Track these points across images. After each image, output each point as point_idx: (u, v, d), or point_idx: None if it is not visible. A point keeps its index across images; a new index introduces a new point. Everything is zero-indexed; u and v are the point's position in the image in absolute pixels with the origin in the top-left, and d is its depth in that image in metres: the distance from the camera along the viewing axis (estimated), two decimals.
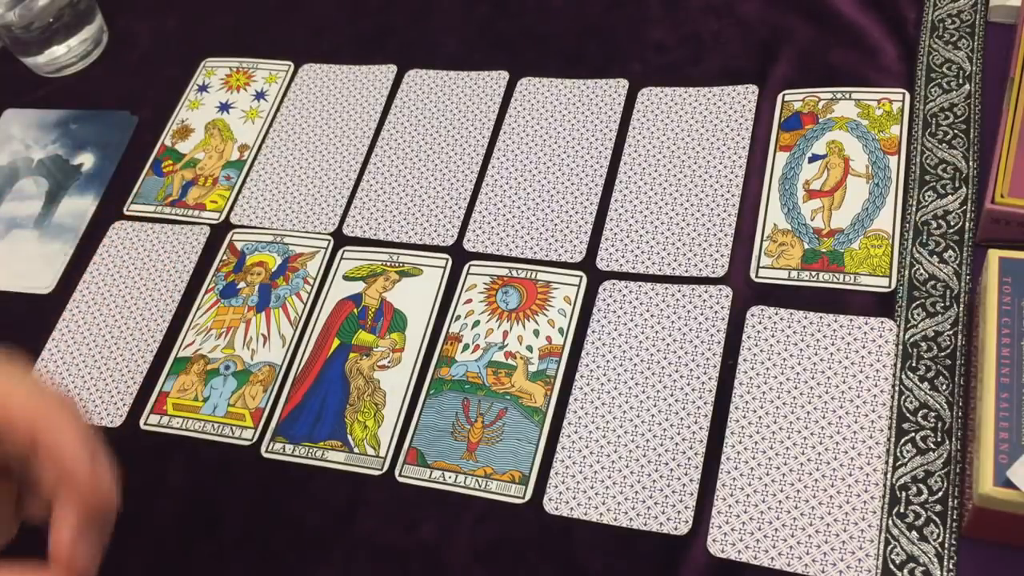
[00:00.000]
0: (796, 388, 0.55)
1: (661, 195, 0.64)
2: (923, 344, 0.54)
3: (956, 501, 0.49)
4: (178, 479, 0.60)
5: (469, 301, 0.62)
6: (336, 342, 0.63)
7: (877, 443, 0.52)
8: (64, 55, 0.82)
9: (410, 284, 0.64)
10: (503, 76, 0.73)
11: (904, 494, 0.50)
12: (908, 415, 0.52)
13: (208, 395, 0.62)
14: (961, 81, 0.63)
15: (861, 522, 0.50)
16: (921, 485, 0.50)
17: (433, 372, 0.60)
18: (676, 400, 0.56)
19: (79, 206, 0.74)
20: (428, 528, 0.55)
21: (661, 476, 0.53)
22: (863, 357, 0.55)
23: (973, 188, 0.59)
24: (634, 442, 0.55)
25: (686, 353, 0.57)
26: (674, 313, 0.59)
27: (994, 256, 0.50)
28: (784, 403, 0.54)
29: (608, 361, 0.58)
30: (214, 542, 0.57)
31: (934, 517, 0.49)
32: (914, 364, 0.54)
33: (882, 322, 0.56)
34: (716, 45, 0.70)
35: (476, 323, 0.61)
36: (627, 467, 0.54)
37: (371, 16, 0.79)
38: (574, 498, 0.54)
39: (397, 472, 0.57)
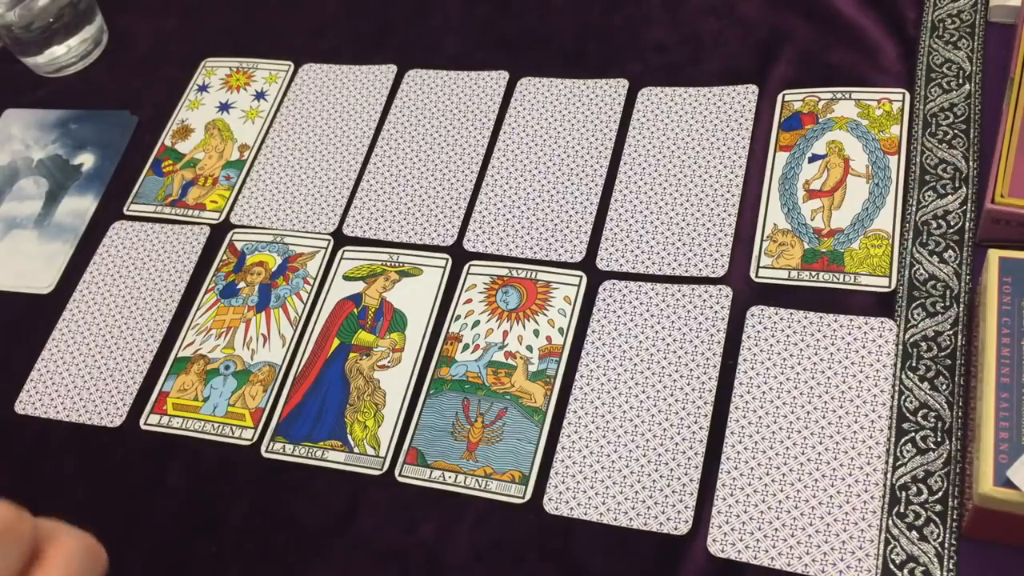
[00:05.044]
0: (796, 388, 0.55)
1: (661, 195, 0.64)
2: (923, 344, 0.54)
3: (956, 501, 0.49)
4: (178, 479, 0.60)
5: (469, 301, 0.62)
6: (336, 342, 0.63)
7: (877, 443, 0.52)
8: (64, 55, 0.82)
9: (410, 284, 0.64)
10: (503, 76, 0.73)
11: (904, 494, 0.50)
12: (908, 415, 0.52)
13: (208, 395, 0.62)
14: (961, 81, 0.63)
15: (861, 522, 0.50)
16: (921, 485, 0.50)
17: (433, 372, 0.60)
18: (676, 400, 0.56)
19: (79, 206, 0.74)
20: (428, 528, 0.55)
21: (661, 476, 0.53)
22: (863, 357, 0.55)
23: (973, 188, 0.59)
24: (634, 442, 0.55)
25: (686, 353, 0.57)
26: (674, 313, 0.59)
27: (994, 256, 0.50)
28: (784, 403, 0.54)
29: (608, 361, 0.58)
30: (214, 542, 0.57)
31: (934, 517, 0.49)
32: (914, 364, 0.54)
33: (882, 322, 0.56)
34: (716, 45, 0.70)
35: (476, 323, 0.61)
36: (627, 467, 0.54)
37: (371, 16, 0.79)
38: (574, 498, 0.54)
39: (397, 472, 0.57)
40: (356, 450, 0.58)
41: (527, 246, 0.64)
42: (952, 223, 0.58)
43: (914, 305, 0.56)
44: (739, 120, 0.66)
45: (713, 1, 0.72)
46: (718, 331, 0.57)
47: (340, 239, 0.68)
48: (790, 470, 0.52)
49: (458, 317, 0.62)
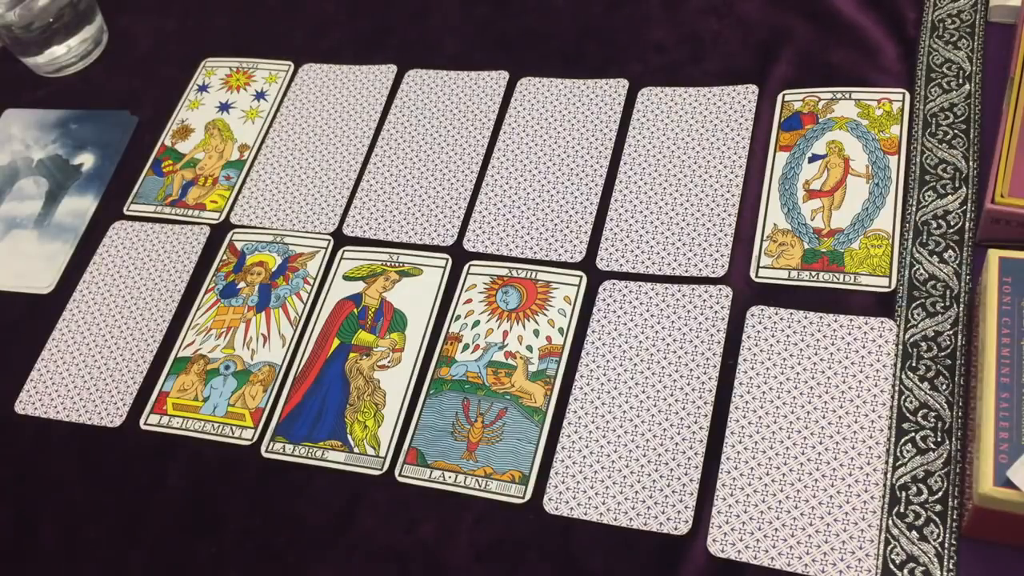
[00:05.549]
0: (796, 388, 0.55)
1: (661, 195, 0.64)
2: (923, 344, 0.54)
3: (956, 501, 0.49)
4: (178, 479, 0.60)
5: (469, 301, 0.62)
6: (336, 342, 0.63)
7: (877, 443, 0.52)
8: (64, 55, 0.82)
9: (410, 284, 0.64)
10: (503, 76, 0.73)
11: (904, 494, 0.50)
12: (908, 415, 0.52)
13: (208, 395, 0.62)
14: (961, 81, 0.63)
15: (861, 522, 0.50)
16: (921, 485, 0.50)
17: (433, 372, 0.60)
18: (676, 400, 0.56)
19: (79, 206, 0.74)
20: (428, 528, 0.55)
21: (661, 476, 0.53)
22: (863, 357, 0.55)
23: (973, 188, 0.59)
24: (634, 442, 0.55)
25: (686, 353, 0.57)
26: (674, 313, 0.59)
27: (994, 256, 0.50)
28: (784, 403, 0.54)
29: (608, 361, 0.58)
30: (214, 542, 0.57)
31: (934, 517, 0.49)
32: (914, 364, 0.54)
33: (882, 322, 0.56)
34: (716, 45, 0.70)
35: (476, 323, 0.61)
36: (627, 467, 0.54)
37: (371, 16, 0.79)
38: (574, 498, 0.54)
39: (397, 472, 0.57)
40: (356, 450, 0.58)
41: (527, 246, 0.64)
42: (952, 223, 0.58)
43: (914, 305, 0.56)
44: (739, 120, 0.66)
45: (713, 1, 0.72)
46: (718, 331, 0.57)
47: (340, 239, 0.68)
48: (790, 470, 0.52)
49: (458, 317, 0.62)
